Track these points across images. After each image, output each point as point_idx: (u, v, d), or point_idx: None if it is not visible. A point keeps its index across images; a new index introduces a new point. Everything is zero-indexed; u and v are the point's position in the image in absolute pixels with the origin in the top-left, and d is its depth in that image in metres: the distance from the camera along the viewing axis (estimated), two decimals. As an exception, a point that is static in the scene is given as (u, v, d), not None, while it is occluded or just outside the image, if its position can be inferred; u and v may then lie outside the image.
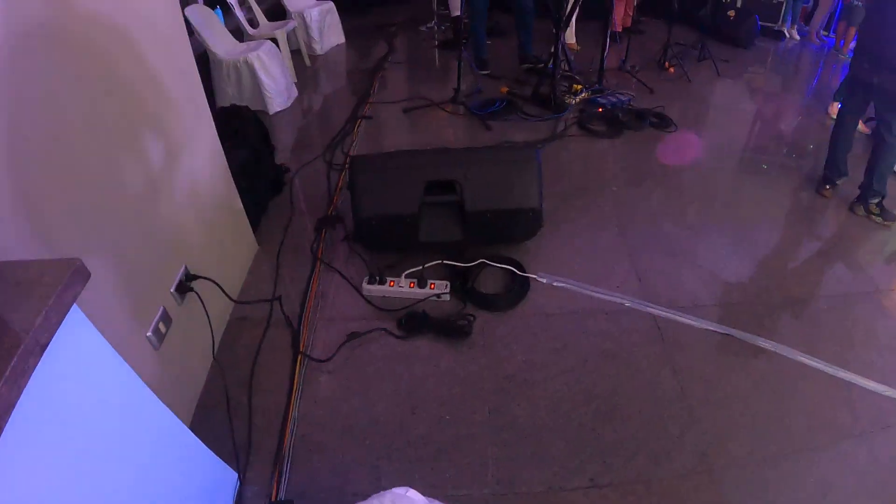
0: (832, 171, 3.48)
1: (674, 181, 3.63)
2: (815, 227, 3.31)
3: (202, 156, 2.53)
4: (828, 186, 3.49)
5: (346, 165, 3.18)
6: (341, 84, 5.46)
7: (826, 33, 8.40)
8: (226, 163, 2.74)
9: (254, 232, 3.04)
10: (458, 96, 4.46)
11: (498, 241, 2.84)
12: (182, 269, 2.16)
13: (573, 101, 4.43)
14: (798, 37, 8.16)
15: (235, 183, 2.85)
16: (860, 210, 3.34)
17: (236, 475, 1.88)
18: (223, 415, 2.12)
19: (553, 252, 2.93)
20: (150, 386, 1.42)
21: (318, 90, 5.33)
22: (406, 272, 2.69)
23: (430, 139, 4.07)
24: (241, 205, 2.88)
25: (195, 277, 2.21)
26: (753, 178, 3.76)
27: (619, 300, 2.62)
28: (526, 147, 2.75)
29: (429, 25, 6.91)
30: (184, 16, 2.59)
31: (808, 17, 8.26)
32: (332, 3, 6.21)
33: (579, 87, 4.49)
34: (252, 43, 4.89)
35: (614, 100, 4.46)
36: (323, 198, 3.45)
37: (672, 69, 5.50)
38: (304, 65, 5.74)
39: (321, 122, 4.58)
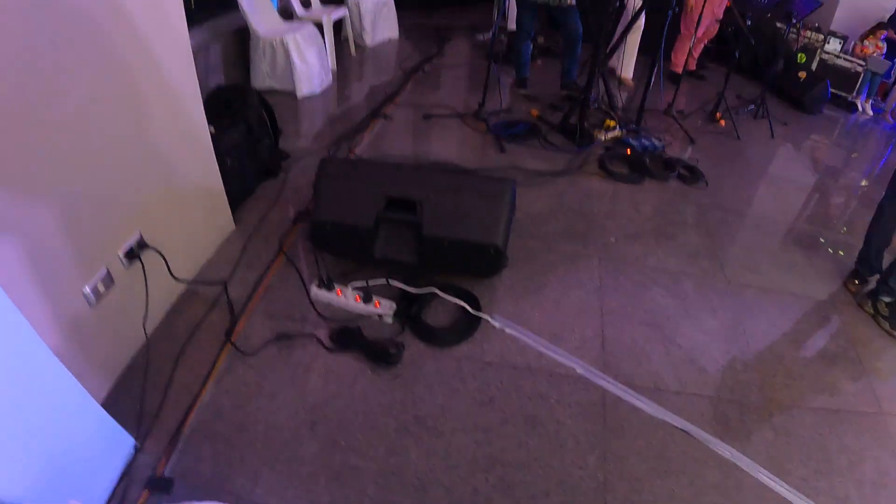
0: (863, 265, 3.11)
1: (681, 242, 3.29)
2: (827, 323, 2.91)
3: (182, 130, 2.48)
4: (856, 281, 3.11)
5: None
6: (378, 79, 5.33)
7: None
8: (209, 141, 2.69)
9: (234, 212, 2.99)
10: (482, 111, 4.25)
11: (454, 271, 2.63)
12: (136, 236, 2.14)
13: (602, 136, 4.15)
14: (871, 112, 7.76)
15: (223, 162, 2.82)
16: (868, 306, 2.95)
17: (133, 441, 1.87)
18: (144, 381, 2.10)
19: (518, 295, 2.69)
20: (75, 340, 1.59)
21: (353, 81, 5.23)
22: (353, 284, 2.52)
23: (439, 151, 3.89)
24: (220, 184, 2.82)
25: (147, 247, 2.19)
26: (775, 257, 3.36)
27: (570, 364, 2.35)
28: (502, 180, 2.50)
29: (485, 35, 6.72)
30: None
31: (885, 94, 7.83)
32: (391, -4, 6.13)
33: (613, 123, 4.21)
34: (295, 24, 4.84)
35: (647, 143, 4.16)
36: (312, 190, 3.31)
37: (723, 122, 5.17)
38: (349, 54, 5.65)
39: (343, 114, 4.45)
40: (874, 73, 7.83)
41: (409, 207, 2.47)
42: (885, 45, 7.95)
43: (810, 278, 3.21)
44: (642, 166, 3.88)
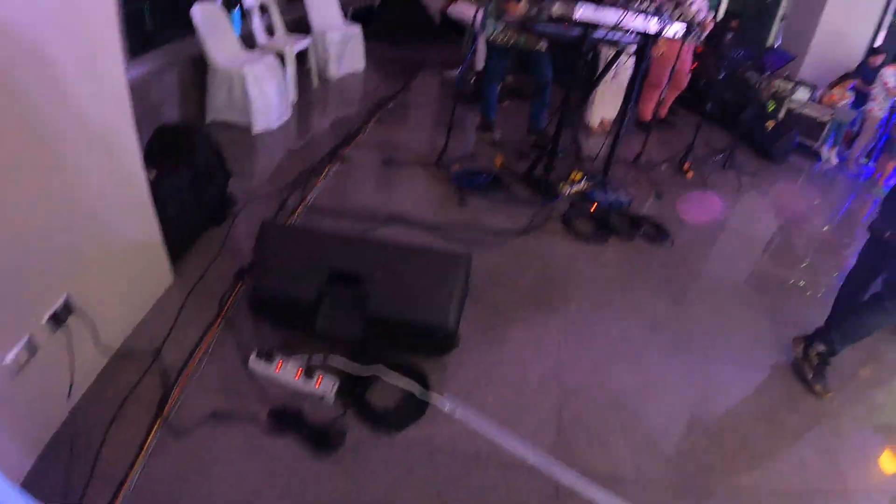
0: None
1: (646, 310, 3.19)
2: (797, 396, 2.81)
3: (116, 180, 2.31)
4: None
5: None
6: (340, 114, 5.19)
7: (866, 161, 8.24)
8: (146, 190, 2.50)
9: (175, 263, 2.81)
10: (444, 159, 4.11)
11: (402, 350, 2.47)
12: (61, 300, 1.98)
13: (567, 190, 4.05)
14: (836, 160, 7.99)
15: (162, 209, 2.63)
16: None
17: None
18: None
19: (471, 372, 2.53)
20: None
21: (314, 116, 5.09)
22: (294, 357, 2.35)
23: (395, 201, 3.71)
24: (158, 236, 2.64)
25: (73, 311, 2.02)
26: (742, 322, 3.28)
27: (521, 453, 2.21)
28: (455, 256, 2.36)
29: (454, 73, 6.62)
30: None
31: (850, 141, 8.05)
32: (358, 29, 6.00)
33: (579, 175, 4.11)
34: (255, 54, 4.67)
35: (612, 198, 4.08)
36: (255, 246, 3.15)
37: (690, 174, 5.16)
38: (312, 86, 5.50)
39: (300, 153, 4.28)
40: (840, 122, 7.99)
41: (354, 281, 2.31)
42: (853, 94, 8.12)
43: (774, 344, 3.13)
44: (607, 224, 3.79)
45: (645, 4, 3.93)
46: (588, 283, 3.32)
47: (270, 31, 5.27)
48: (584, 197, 4.07)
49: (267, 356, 2.33)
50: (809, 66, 8.47)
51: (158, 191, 2.64)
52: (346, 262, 2.31)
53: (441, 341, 2.33)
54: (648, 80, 5.71)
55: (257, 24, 5.01)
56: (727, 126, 6.83)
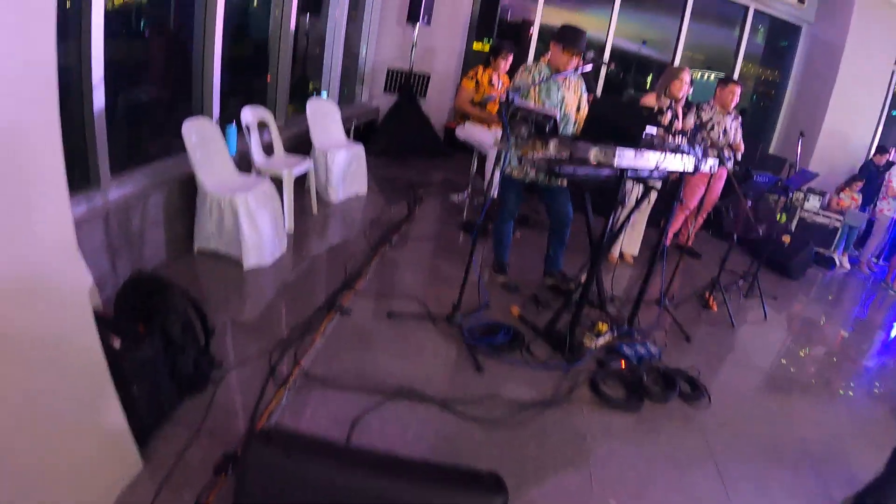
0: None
1: (689, 495, 2.72)
2: None
3: (66, 363, 1.93)
4: None
5: (245, 438, 2.44)
6: (339, 249, 4.80)
7: (877, 261, 8.42)
8: (105, 371, 2.09)
9: (145, 444, 2.36)
10: (456, 316, 3.65)
11: None
12: None
13: (593, 344, 3.63)
14: (848, 265, 8.11)
15: (128, 389, 2.26)
16: None
17: None
18: None
19: None
20: None
21: (311, 251, 4.70)
22: None
23: (402, 367, 3.25)
24: (122, 421, 2.19)
25: None
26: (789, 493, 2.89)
27: None
28: (488, 482, 1.88)
29: (461, 197, 6.37)
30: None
31: (861, 240, 8.22)
32: (362, 148, 5.73)
33: (605, 326, 3.71)
34: (250, 179, 4.35)
35: (642, 351, 3.69)
36: (245, 416, 2.70)
37: (715, 306, 4.89)
38: (311, 211, 5.15)
39: (294, 298, 3.87)
40: (851, 226, 7.94)
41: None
42: (861, 196, 8.09)
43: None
44: (640, 386, 3.36)
45: (679, 139, 3.65)
46: (625, 467, 2.84)
47: (268, 151, 4.98)
48: (612, 352, 3.65)
49: None
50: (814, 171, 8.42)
51: (123, 365, 2.27)
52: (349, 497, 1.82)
53: None
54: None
55: (255, 144, 4.74)
56: (742, 244, 6.60)
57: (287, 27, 5.80)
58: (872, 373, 4.67)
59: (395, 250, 4.79)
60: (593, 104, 3.56)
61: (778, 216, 6.88)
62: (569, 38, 3.89)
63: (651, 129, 3.42)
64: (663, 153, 3.22)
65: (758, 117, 10.80)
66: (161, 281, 2.95)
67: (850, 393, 4.15)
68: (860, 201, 8.23)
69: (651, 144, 3.30)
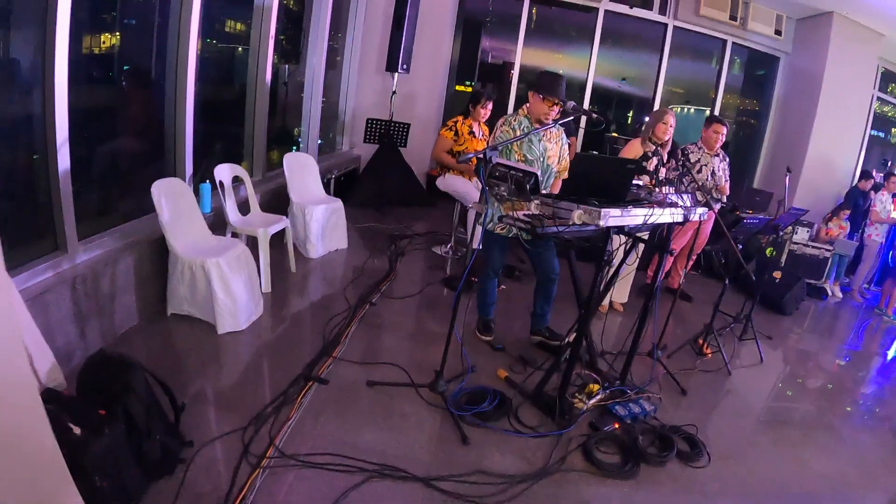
0: None
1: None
2: None
3: (21, 454, 1.82)
4: None
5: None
6: (319, 310, 4.60)
7: (868, 286, 8.60)
8: (61, 461, 1.96)
9: None
10: (439, 384, 3.41)
11: None
12: None
13: (584, 405, 3.46)
14: (840, 294, 8.19)
15: (90, 482, 2.15)
16: None
17: None
18: None
19: None
20: None
21: (289, 313, 4.51)
22: None
23: (384, 441, 3.05)
24: None
25: None
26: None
27: None
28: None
29: (444, 250, 6.23)
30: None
31: (851, 268, 8.34)
32: (340, 203, 5.61)
33: (596, 387, 3.55)
34: (224, 241, 4.24)
35: (636, 410, 3.52)
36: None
37: (709, 352, 4.75)
38: (289, 270, 5.00)
39: (270, 366, 3.69)
40: (841, 255, 7.98)
41: None
42: (849, 224, 8.13)
43: None
44: (635, 449, 3.19)
45: (667, 190, 3.53)
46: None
47: (244, 209, 4.86)
48: (604, 412, 3.48)
49: None
50: (800, 202, 8.53)
51: (84, 455, 2.15)
52: None
53: None
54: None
55: (229, 203, 4.62)
56: (740, 283, 6.53)
57: (263, 78, 5.74)
58: (874, 408, 4.59)
59: (376, 310, 4.59)
60: (575, 161, 3.43)
61: (767, 251, 6.79)
62: (547, 86, 3.78)
63: (637, 180, 3.32)
64: (651, 208, 3.10)
65: (741, 149, 10.86)
66: (124, 360, 2.78)
67: (856, 434, 4.05)
68: (848, 229, 8.26)
69: (638, 199, 3.18)
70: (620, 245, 3.63)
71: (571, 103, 3.66)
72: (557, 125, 3.87)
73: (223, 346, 3.79)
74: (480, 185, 3.27)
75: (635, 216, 3.06)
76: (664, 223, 3.39)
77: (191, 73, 4.43)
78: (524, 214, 2.97)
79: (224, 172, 4.65)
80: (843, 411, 4.38)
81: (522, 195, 3.00)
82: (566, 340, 3.48)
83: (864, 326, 7.07)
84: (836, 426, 4.11)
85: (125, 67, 4.33)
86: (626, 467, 3.11)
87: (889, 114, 10.90)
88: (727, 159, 5.69)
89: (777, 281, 6.49)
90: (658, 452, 3.27)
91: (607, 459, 3.16)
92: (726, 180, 5.58)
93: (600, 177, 3.07)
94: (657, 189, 3.54)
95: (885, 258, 8.19)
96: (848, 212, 8.21)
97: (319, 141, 7.57)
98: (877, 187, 8.37)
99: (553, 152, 4.02)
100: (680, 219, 3.37)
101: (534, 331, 4.36)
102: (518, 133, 3.85)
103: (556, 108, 3.79)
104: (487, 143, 5.35)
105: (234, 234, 4.60)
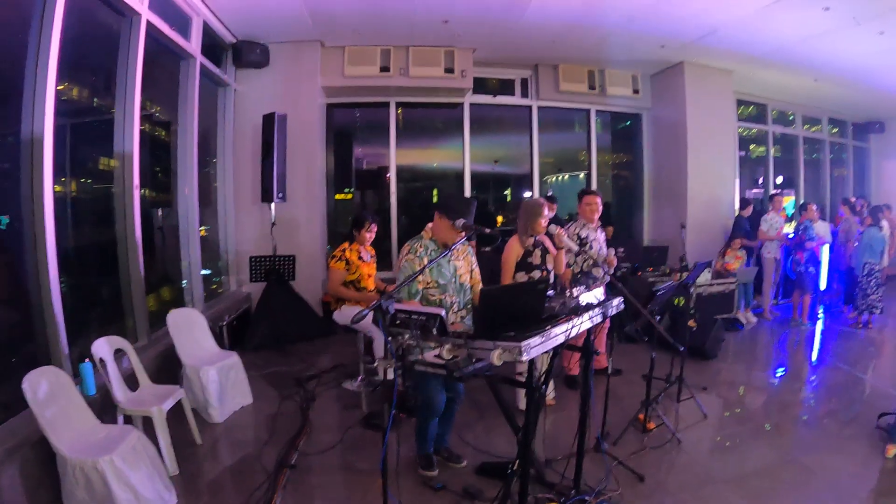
0: None
1: None
2: None
3: None
4: None
5: None
6: (237, 483, 4.15)
7: (776, 302, 9.39)
8: None
9: None
10: None
11: None
12: None
13: (545, 525, 3.27)
14: (754, 318, 8.81)
15: None
16: None
17: None
18: None
19: None
20: None
21: (203, 494, 4.01)
22: None
23: None
24: None
25: None
26: None
27: None
28: None
29: (356, 385, 5.92)
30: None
31: (757, 288, 9.07)
32: (237, 358, 5.29)
33: (554, 504, 3.38)
34: (115, 429, 3.89)
35: (598, 518, 3.38)
36: None
37: (653, 426, 4.73)
38: (194, 442, 4.57)
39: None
40: (745, 284, 8.42)
41: None
42: (744, 252, 8.63)
43: None
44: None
45: (578, 290, 3.48)
46: None
47: (132, 385, 4.45)
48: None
49: None
50: (694, 245, 9.00)
51: None
52: None
53: None
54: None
55: (114, 381, 4.24)
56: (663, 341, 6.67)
57: (132, 228, 5.47)
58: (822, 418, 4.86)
59: (298, 473, 4.14)
60: (483, 296, 3.22)
61: (675, 301, 6.98)
62: (455, 210, 3.69)
63: (550, 292, 3.29)
64: (569, 321, 3.00)
65: (624, 203, 11.42)
66: None
67: (821, 458, 4.19)
68: (745, 258, 8.75)
69: (554, 315, 3.10)
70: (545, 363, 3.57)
71: (469, 223, 3.61)
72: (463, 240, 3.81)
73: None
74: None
75: (557, 336, 2.92)
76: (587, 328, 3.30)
77: (49, 231, 4.13)
78: (435, 356, 2.80)
79: (103, 349, 4.29)
80: (798, 438, 4.55)
81: (430, 339, 2.86)
82: (511, 468, 3.25)
83: (784, 341, 7.56)
84: (797, 457, 4.22)
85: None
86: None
87: (743, 133, 11.95)
88: (603, 231, 6.04)
89: (693, 330, 6.66)
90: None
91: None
92: (610, 253, 5.83)
93: (511, 305, 2.94)
94: (568, 291, 3.46)
95: (785, 271, 8.78)
96: (740, 241, 8.68)
97: (202, 291, 7.27)
98: (756, 215, 8.99)
99: (464, 269, 3.97)
100: (599, 319, 3.33)
101: (434, 450, 4.17)
102: (426, 259, 3.76)
103: (464, 233, 3.68)
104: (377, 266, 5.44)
105: (126, 416, 4.20)
